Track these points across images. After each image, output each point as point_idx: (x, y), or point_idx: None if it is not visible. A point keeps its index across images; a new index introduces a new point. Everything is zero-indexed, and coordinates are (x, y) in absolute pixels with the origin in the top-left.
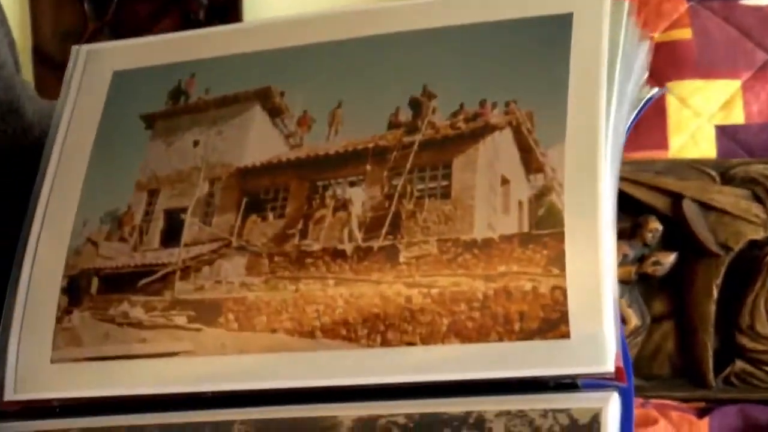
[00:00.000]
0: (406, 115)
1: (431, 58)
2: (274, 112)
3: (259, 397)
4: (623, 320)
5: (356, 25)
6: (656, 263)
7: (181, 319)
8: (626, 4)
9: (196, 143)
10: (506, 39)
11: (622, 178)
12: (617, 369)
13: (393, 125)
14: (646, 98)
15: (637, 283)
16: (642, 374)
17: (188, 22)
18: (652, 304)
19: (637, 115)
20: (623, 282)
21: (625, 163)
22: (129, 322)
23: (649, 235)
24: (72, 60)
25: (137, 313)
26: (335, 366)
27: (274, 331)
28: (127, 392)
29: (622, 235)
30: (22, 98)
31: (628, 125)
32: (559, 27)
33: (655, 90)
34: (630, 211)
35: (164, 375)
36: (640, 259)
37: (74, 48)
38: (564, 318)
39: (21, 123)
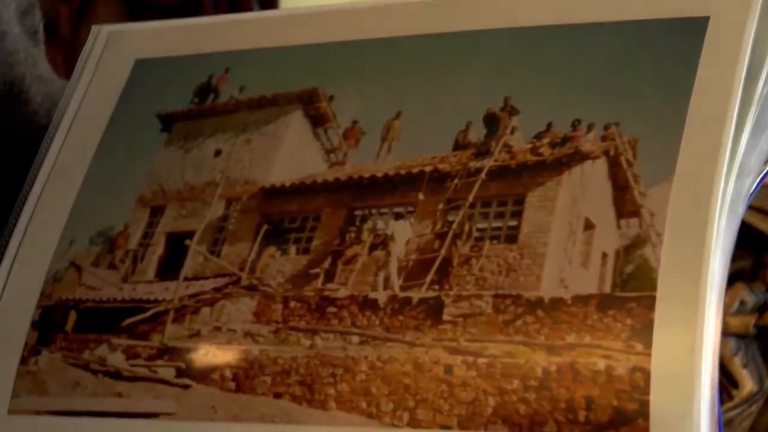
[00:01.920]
0: (477, 133)
1: (518, 62)
2: (318, 120)
3: None
4: (736, 384)
5: (427, 19)
6: None
7: (167, 372)
8: None
9: (218, 153)
10: (614, 45)
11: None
12: None
13: (460, 145)
14: None
15: (757, 338)
16: None
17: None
18: None
19: None
20: (739, 336)
21: None
22: (105, 371)
23: None
24: (90, 41)
25: (116, 359)
26: None
27: (278, 396)
28: None
29: (741, 276)
30: (28, 79)
31: (765, 166)
32: (687, 34)
33: None
34: (752, 247)
35: None
36: (762, 308)
37: (94, 27)
38: (644, 410)
39: (24, 109)
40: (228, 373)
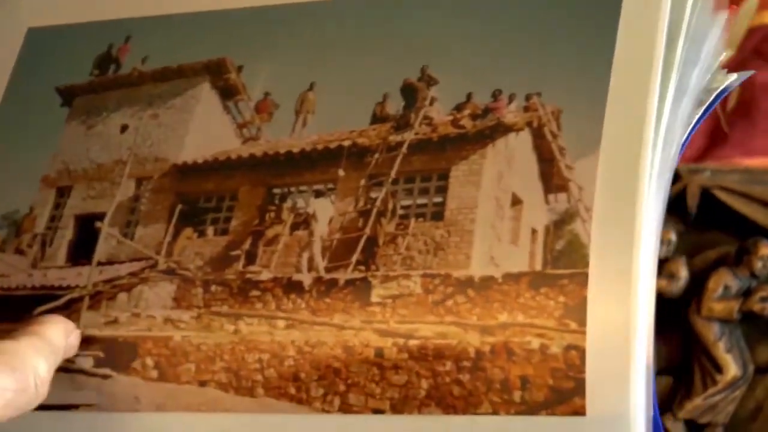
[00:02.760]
0: (396, 105)
1: (435, 31)
2: (227, 93)
3: None
4: (720, 369)
5: None
6: (766, 299)
7: (86, 362)
8: None
9: (124, 128)
10: (534, 12)
11: (730, 191)
12: None
13: (378, 118)
14: (720, 89)
15: (741, 324)
16: None
17: None
18: (758, 350)
19: (705, 112)
20: (723, 321)
21: (734, 171)
22: None
23: (759, 264)
24: None
25: None
26: None
27: (203, 384)
28: None
29: (726, 261)
30: None
31: (690, 128)
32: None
33: (733, 77)
34: (736, 232)
35: None
36: (746, 293)
37: None
38: (579, 388)
39: None
40: (149, 362)
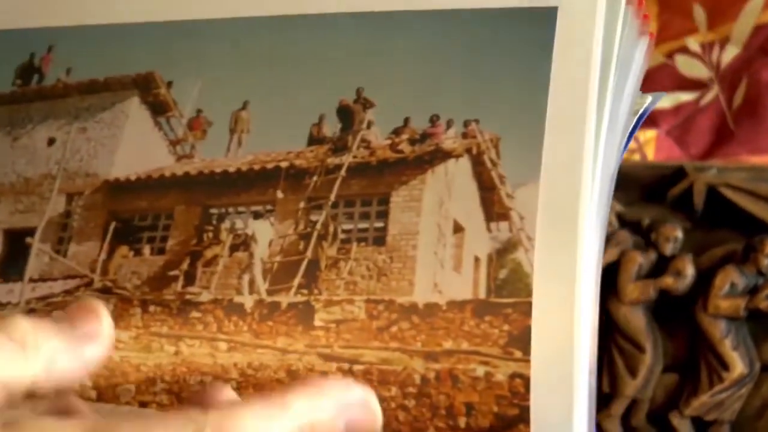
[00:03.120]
0: (332, 127)
1: (371, 52)
2: (158, 108)
3: None
4: (726, 366)
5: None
6: None
7: None
8: None
9: (51, 141)
10: (470, 37)
11: (736, 188)
12: None
13: (315, 139)
14: (641, 112)
15: (747, 321)
16: None
17: None
18: (764, 347)
19: (632, 131)
20: (730, 318)
21: (740, 169)
22: None
23: (765, 261)
24: None
25: None
26: None
27: (143, 404)
28: None
29: (732, 259)
30: None
31: (623, 147)
32: (539, 25)
33: (649, 99)
34: (743, 230)
35: None
36: (753, 291)
37: None
38: (524, 415)
39: None
40: (88, 383)
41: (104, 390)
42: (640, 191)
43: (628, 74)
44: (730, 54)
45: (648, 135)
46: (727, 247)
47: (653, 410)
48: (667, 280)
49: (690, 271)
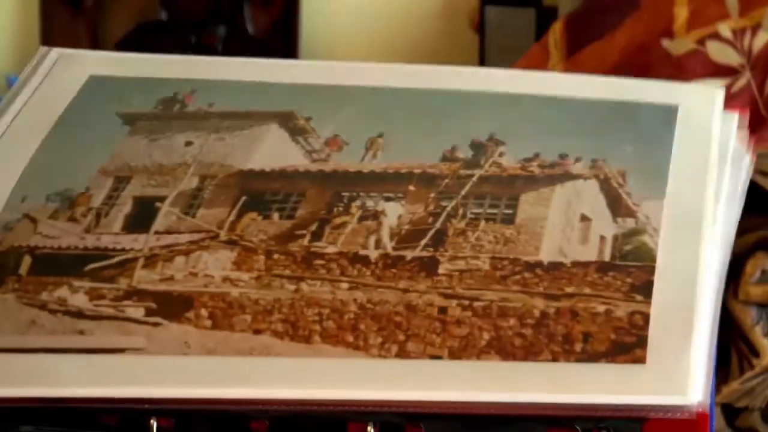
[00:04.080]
0: (464, 153)
1: (504, 113)
2: (296, 131)
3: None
4: (757, 353)
5: (413, 76)
6: None
7: (136, 312)
8: (736, 116)
9: (188, 143)
10: (598, 113)
11: (765, 173)
12: (700, 414)
13: (447, 158)
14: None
15: None
16: None
17: None
18: None
19: None
20: (761, 305)
21: None
22: (66, 310)
23: None
24: (36, 58)
25: (78, 300)
26: (331, 375)
27: (257, 332)
28: (47, 393)
29: (764, 245)
30: None
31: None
32: (662, 118)
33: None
34: None
35: (100, 374)
36: None
37: (42, 48)
38: (641, 342)
39: None
40: (204, 313)
41: (220, 319)
42: None
43: (737, 182)
44: (762, 40)
45: None
46: (759, 234)
47: None
48: None
49: None
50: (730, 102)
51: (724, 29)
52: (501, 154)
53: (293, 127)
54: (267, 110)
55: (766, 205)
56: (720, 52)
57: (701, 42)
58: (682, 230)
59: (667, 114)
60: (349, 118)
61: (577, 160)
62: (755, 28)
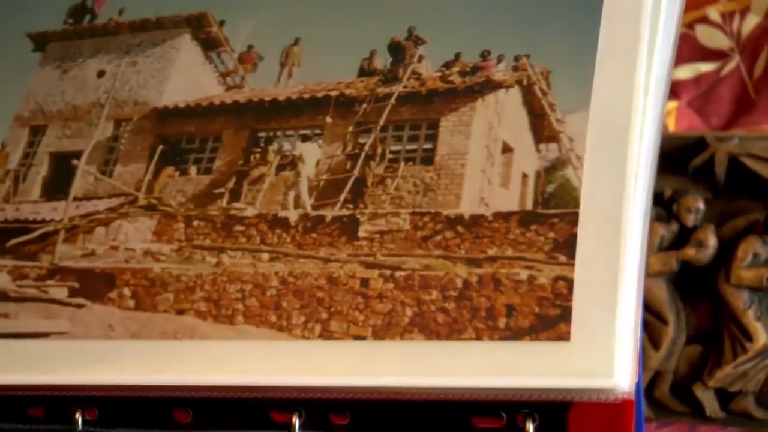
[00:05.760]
0: (383, 61)
1: None
2: (210, 44)
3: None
4: (750, 337)
5: None
6: None
7: (59, 292)
8: None
9: (101, 73)
10: None
11: (758, 158)
12: (625, 401)
13: (365, 72)
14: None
15: None
16: None
17: None
18: None
19: None
20: (753, 289)
21: (762, 138)
22: None
23: None
24: None
25: (2, 281)
26: (254, 360)
27: (181, 312)
28: None
29: (754, 229)
30: None
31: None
32: None
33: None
34: (765, 199)
35: (25, 360)
36: None
37: None
38: (565, 315)
39: None
40: (126, 292)
41: (143, 299)
42: (661, 162)
43: (675, 7)
44: (750, 23)
45: (669, 106)
46: (750, 217)
47: (677, 382)
48: (689, 252)
49: (712, 241)
50: (719, 85)
51: (713, 13)
52: (420, 59)
53: (205, 38)
54: (179, 14)
55: (755, 188)
56: (709, 36)
57: (690, 26)
58: (608, 153)
59: None
60: (264, 18)
61: (500, 59)
62: (744, 12)
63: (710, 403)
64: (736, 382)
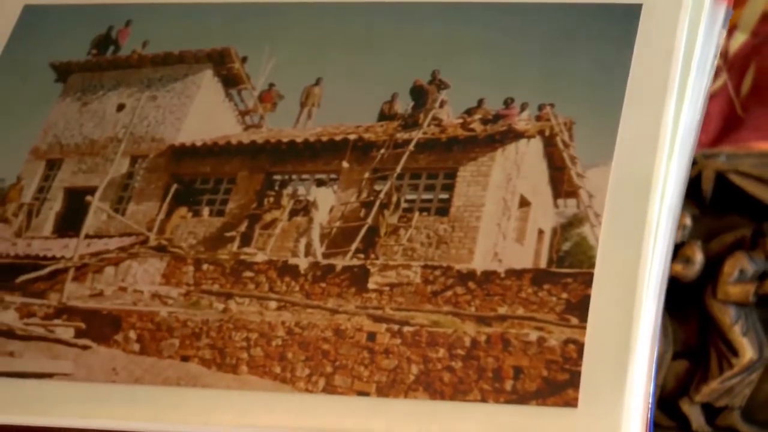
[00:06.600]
0: (404, 104)
1: (448, 36)
2: (231, 81)
3: None
4: (735, 352)
5: None
6: None
7: (66, 332)
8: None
9: (120, 107)
10: (550, 26)
11: (745, 175)
12: None
13: (386, 116)
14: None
15: (757, 307)
16: (756, 420)
17: None
18: None
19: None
20: (739, 304)
21: (749, 155)
22: None
23: None
24: None
25: (9, 317)
26: (256, 411)
27: (185, 359)
28: None
29: (741, 245)
30: None
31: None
32: (621, 20)
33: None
34: (752, 216)
35: (27, 401)
36: (762, 277)
37: None
38: (574, 381)
39: None
40: (132, 335)
41: (148, 343)
42: None
43: (707, 60)
44: (738, 41)
45: None
46: (736, 234)
47: (664, 397)
48: (677, 267)
49: (699, 257)
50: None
51: None
52: (442, 104)
53: (227, 74)
54: (201, 49)
55: (742, 205)
56: None
57: None
58: (627, 213)
59: (628, 16)
60: (287, 57)
61: (523, 108)
62: (731, 30)
63: (697, 418)
64: (723, 397)
